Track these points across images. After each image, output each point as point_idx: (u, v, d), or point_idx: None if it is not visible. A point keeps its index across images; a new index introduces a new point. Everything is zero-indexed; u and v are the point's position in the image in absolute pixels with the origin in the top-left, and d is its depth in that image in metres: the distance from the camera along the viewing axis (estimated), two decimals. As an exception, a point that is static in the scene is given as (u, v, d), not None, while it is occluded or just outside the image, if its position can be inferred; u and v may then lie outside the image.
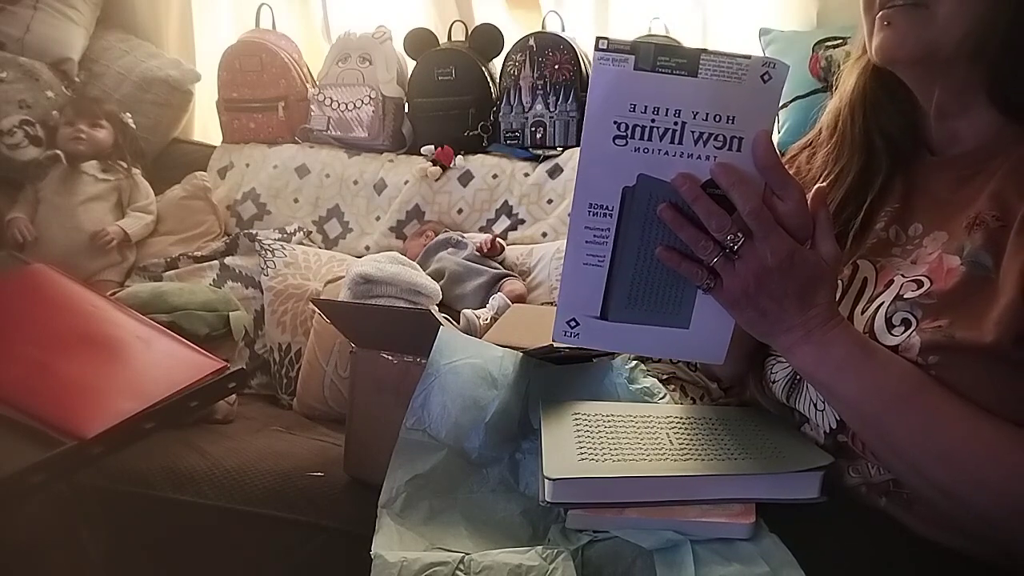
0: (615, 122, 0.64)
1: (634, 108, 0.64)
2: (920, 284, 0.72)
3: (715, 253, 0.67)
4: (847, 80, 0.85)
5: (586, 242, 0.67)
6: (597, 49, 0.62)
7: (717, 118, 0.64)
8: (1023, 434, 0.65)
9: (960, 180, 0.76)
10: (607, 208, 0.66)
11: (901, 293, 0.73)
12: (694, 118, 0.64)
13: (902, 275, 0.75)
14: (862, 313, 0.76)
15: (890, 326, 0.72)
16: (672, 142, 0.64)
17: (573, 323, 0.70)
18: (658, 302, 0.71)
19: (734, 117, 0.64)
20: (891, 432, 0.69)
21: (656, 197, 0.66)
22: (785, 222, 0.67)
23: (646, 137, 0.64)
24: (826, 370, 0.71)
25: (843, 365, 0.70)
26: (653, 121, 0.64)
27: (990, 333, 0.65)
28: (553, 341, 0.72)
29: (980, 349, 0.66)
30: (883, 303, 0.74)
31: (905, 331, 0.71)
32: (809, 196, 0.69)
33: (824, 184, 0.65)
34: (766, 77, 0.64)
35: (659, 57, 0.63)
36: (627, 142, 0.64)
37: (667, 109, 0.64)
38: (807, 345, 0.70)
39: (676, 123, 0.64)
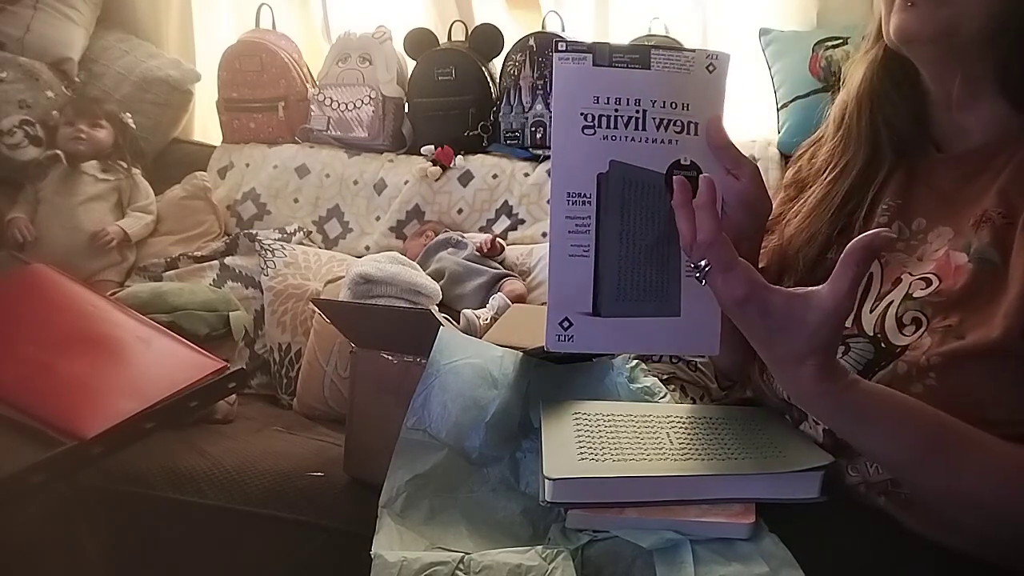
0: (582, 113, 0.68)
1: (598, 99, 0.68)
2: (929, 282, 0.72)
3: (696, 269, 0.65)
4: (854, 74, 0.84)
5: (569, 232, 0.69)
6: (556, 51, 0.67)
7: (673, 105, 0.69)
8: None
9: (965, 177, 0.76)
10: (585, 195, 0.69)
11: (910, 292, 0.73)
12: (653, 106, 0.69)
13: (909, 273, 0.74)
14: (871, 312, 0.76)
15: (901, 325, 0.72)
16: (637, 128, 0.69)
17: (566, 323, 0.70)
18: (647, 290, 0.72)
19: (688, 104, 0.70)
20: (915, 484, 0.68)
21: (629, 181, 0.69)
22: (743, 199, 0.71)
23: (612, 125, 0.68)
24: (831, 423, 0.70)
25: (842, 431, 0.69)
26: (616, 111, 0.68)
27: (998, 327, 0.65)
28: (547, 348, 0.71)
29: (988, 348, 0.65)
30: (893, 302, 0.74)
31: (916, 330, 0.71)
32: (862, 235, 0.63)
33: (887, 231, 0.63)
34: (711, 68, 0.70)
35: (614, 54, 0.68)
36: (595, 131, 0.68)
37: (627, 99, 0.68)
38: (795, 395, 0.69)
39: (638, 111, 0.69)
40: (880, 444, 0.67)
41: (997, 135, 0.75)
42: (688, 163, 0.70)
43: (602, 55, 0.68)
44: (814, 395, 0.65)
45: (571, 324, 0.70)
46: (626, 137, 0.69)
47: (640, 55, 0.69)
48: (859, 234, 0.78)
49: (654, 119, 0.69)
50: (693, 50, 0.70)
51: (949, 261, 0.72)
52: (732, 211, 0.72)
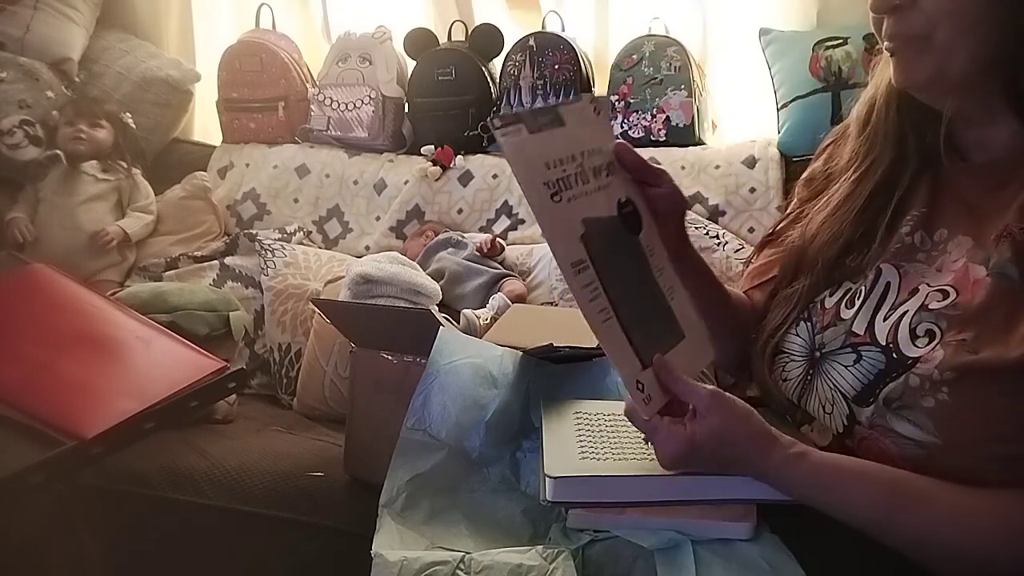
0: (544, 183, 0.66)
1: (548, 166, 0.67)
2: (946, 294, 0.72)
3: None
4: (883, 71, 0.82)
5: (589, 301, 0.68)
6: (495, 128, 0.65)
7: (590, 152, 0.71)
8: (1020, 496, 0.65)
9: (989, 187, 0.75)
10: (583, 262, 0.68)
11: (926, 303, 0.72)
12: (584, 157, 0.70)
13: (927, 284, 0.74)
14: (884, 320, 0.75)
15: (914, 336, 0.72)
16: (586, 182, 0.70)
17: (640, 387, 0.70)
18: (658, 324, 0.74)
19: (600, 148, 0.72)
20: (892, 542, 0.69)
21: (603, 233, 0.70)
22: (663, 203, 0.76)
23: (569, 186, 0.68)
24: (799, 499, 0.71)
25: (809, 503, 0.70)
26: (565, 171, 0.68)
27: (1016, 349, 0.65)
28: (644, 419, 0.73)
29: (1004, 367, 0.65)
30: (907, 312, 0.73)
31: (929, 343, 0.70)
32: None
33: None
34: (596, 111, 0.73)
35: (538, 117, 0.67)
36: (560, 196, 0.67)
37: (567, 156, 0.68)
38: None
39: (578, 166, 0.69)
40: (843, 510, 0.69)
41: (1019, 147, 0.74)
42: (625, 199, 0.73)
43: (530, 121, 0.66)
44: (767, 470, 0.69)
45: (643, 384, 0.70)
46: (583, 193, 0.69)
47: (554, 115, 0.68)
48: (880, 241, 0.80)
49: (591, 168, 0.70)
50: (580, 97, 0.73)
51: (967, 274, 0.71)
52: (665, 215, 0.77)
